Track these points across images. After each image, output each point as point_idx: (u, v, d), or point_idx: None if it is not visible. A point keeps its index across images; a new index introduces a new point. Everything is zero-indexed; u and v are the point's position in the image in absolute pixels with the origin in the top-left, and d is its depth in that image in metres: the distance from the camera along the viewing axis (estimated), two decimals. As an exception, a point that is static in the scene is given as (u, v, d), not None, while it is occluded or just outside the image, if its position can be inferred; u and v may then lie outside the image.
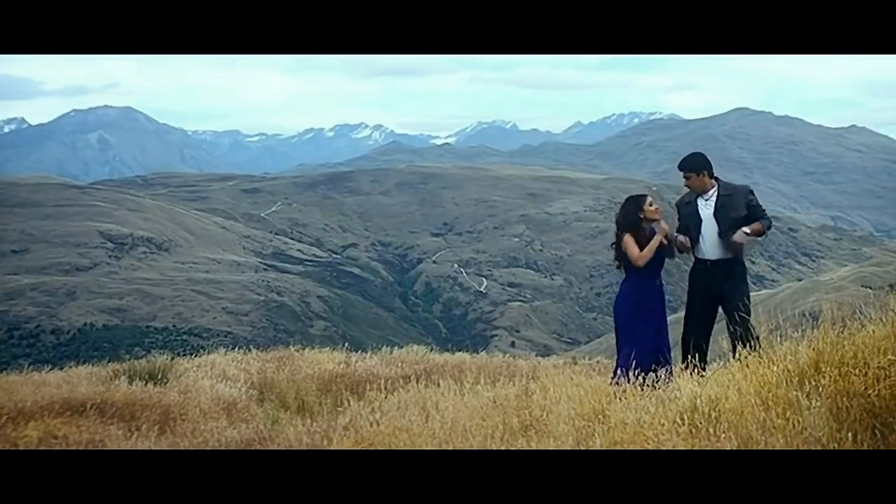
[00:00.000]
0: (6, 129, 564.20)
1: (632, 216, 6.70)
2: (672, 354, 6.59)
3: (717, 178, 6.78)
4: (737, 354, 5.22)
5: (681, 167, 6.78)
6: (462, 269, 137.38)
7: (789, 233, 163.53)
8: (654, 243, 6.56)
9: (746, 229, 6.53)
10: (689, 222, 6.72)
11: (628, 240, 6.61)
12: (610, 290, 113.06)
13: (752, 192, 6.81)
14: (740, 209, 6.63)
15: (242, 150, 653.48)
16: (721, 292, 6.57)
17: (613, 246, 6.77)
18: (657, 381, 5.40)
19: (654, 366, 5.92)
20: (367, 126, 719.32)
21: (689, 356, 6.12)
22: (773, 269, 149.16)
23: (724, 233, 6.56)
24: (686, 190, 6.98)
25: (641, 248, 6.56)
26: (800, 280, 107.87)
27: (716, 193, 6.71)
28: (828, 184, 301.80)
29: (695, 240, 6.68)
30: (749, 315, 6.36)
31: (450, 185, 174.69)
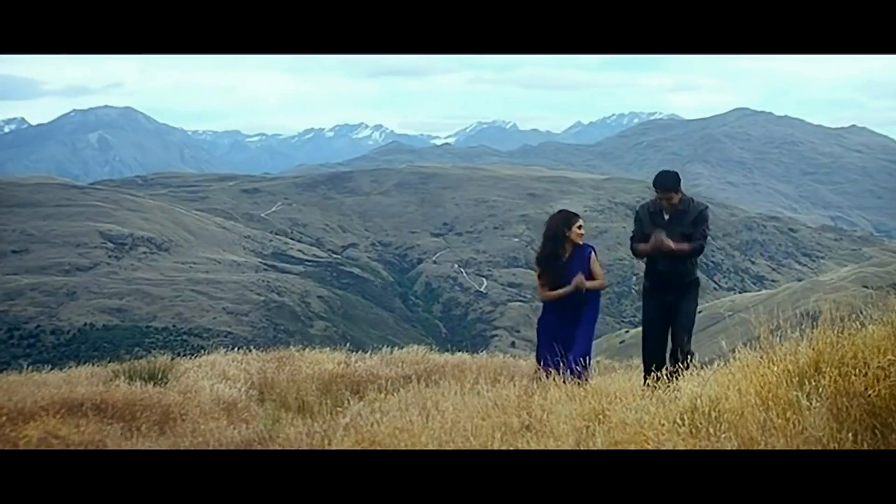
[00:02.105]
0: (6, 129, 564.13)
1: (559, 231, 6.89)
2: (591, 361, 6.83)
3: (682, 194, 6.86)
4: (668, 370, 5.60)
5: (668, 186, 6.79)
6: (462, 269, 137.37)
7: (789, 233, 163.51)
8: (561, 293, 6.80)
9: (672, 244, 6.58)
10: (653, 231, 6.75)
11: (539, 280, 6.95)
12: (610, 290, 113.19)
13: (704, 212, 6.82)
14: (687, 226, 6.70)
15: (242, 150, 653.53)
16: (673, 301, 6.66)
17: (536, 258, 6.98)
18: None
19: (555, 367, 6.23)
20: (367, 126, 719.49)
21: (649, 369, 6.32)
22: (773, 269, 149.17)
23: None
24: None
25: (554, 283, 6.81)
26: (800, 280, 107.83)
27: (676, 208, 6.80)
28: (828, 184, 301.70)
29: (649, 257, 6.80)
30: (689, 333, 6.57)
31: (450, 185, 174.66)
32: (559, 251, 6.83)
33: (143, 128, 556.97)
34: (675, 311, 6.65)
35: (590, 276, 6.85)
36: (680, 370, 5.71)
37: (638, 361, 8.23)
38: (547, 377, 6.02)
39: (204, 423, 7.20)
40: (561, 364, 6.36)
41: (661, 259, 6.69)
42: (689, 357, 6.22)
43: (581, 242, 6.90)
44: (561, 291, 6.79)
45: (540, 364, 6.74)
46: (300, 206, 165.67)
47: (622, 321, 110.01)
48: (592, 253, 6.94)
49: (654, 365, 6.31)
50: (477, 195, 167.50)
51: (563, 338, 6.75)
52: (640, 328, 7.21)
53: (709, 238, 6.89)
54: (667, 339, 6.71)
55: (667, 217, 6.76)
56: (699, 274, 7.02)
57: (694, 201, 6.85)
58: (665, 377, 5.58)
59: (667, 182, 6.78)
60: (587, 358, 6.69)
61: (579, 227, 6.88)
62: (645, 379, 6.20)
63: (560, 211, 7.11)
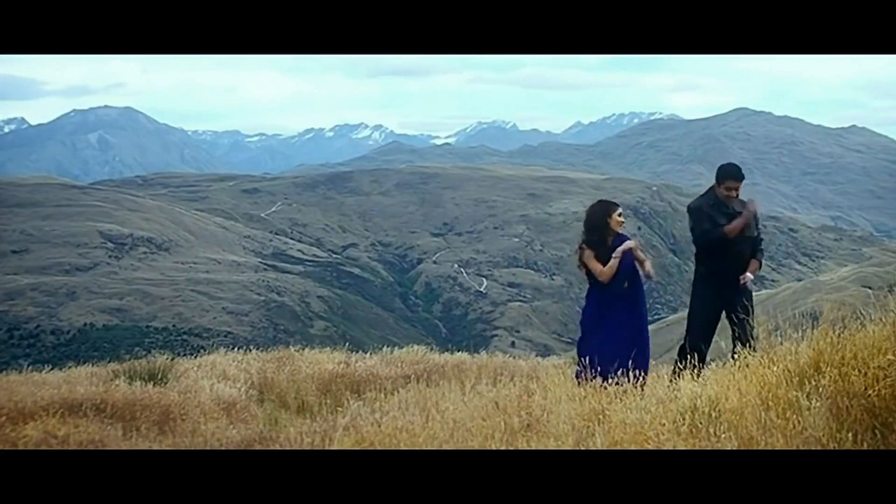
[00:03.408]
0: (6, 129, 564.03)
1: (600, 221, 6.72)
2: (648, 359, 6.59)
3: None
4: (736, 355, 5.27)
5: (734, 175, 6.69)
6: (462, 269, 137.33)
7: (789, 233, 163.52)
8: (617, 256, 6.55)
9: (750, 275, 6.55)
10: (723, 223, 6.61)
11: (588, 256, 6.65)
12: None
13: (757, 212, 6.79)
14: (754, 228, 6.66)
15: (242, 150, 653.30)
16: (730, 296, 6.58)
17: (579, 250, 6.77)
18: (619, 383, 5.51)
19: (612, 372, 5.91)
20: (367, 126, 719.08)
21: (690, 360, 6.12)
22: (773, 269, 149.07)
23: (743, 250, 6.58)
24: (694, 195, 7.01)
25: (604, 263, 6.58)
26: (800, 280, 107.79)
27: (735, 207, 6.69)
28: (828, 184, 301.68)
29: (719, 250, 6.61)
30: (751, 315, 6.36)
31: (450, 185, 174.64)
32: (605, 238, 6.74)
33: (143, 128, 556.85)
34: (737, 308, 6.45)
35: (635, 270, 6.72)
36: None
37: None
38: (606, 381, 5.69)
39: (204, 423, 7.20)
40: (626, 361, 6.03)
41: (727, 256, 6.56)
42: (754, 339, 5.99)
43: (621, 231, 6.78)
44: (619, 252, 6.52)
45: (591, 365, 6.24)
46: (300, 206, 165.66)
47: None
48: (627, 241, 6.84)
49: (695, 361, 6.08)
50: (477, 195, 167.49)
51: (630, 329, 6.54)
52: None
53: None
54: (713, 334, 6.62)
55: (731, 211, 6.63)
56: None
57: (743, 201, 6.79)
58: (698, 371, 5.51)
59: (740, 173, 6.74)
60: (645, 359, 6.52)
61: (619, 215, 6.75)
62: (678, 370, 6.07)
63: (599, 201, 6.94)
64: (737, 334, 6.41)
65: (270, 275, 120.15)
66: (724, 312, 6.69)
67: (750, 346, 5.50)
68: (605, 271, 6.57)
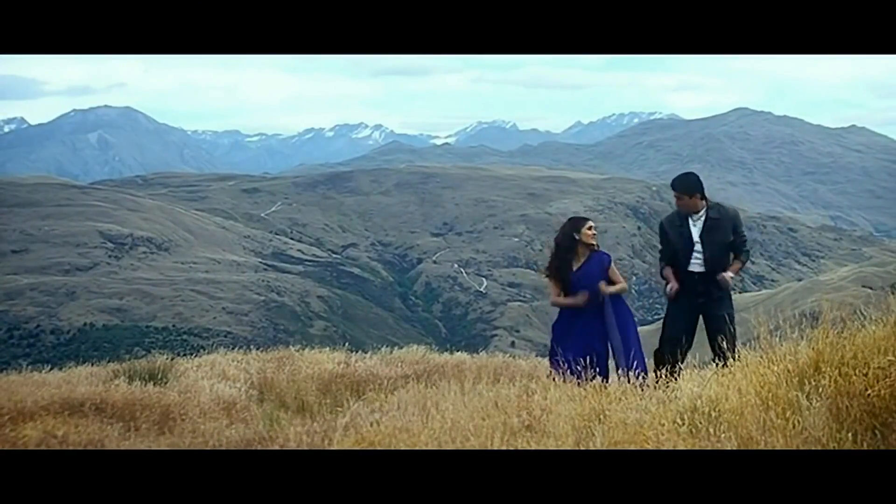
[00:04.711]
0: (6, 129, 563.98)
1: (568, 238, 6.81)
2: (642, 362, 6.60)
3: (707, 199, 6.72)
4: (716, 367, 5.36)
5: (674, 187, 6.71)
6: (462, 269, 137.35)
7: (789, 233, 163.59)
8: (572, 301, 6.71)
9: (730, 273, 6.51)
10: (679, 245, 6.67)
11: (551, 288, 6.86)
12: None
13: (738, 217, 6.76)
14: (727, 234, 6.61)
15: (242, 150, 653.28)
16: (705, 303, 6.55)
17: (547, 267, 6.87)
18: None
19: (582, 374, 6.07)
20: (367, 126, 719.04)
21: (662, 368, 6.13)
22: (773, 269, 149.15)
23: (709, 257, 6.55)
24: (669, 210, 6.99)
25: (568, 284, 6.72)
26: (800, 280, 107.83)
27: (704, 214, 6.67)
28: (828, 184, 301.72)
29: (683, 260, 6.65)
30: (733, 330, 6.39)
31: (450, 185, 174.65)
32: (570, 260, 6.80)
33: (142, 128, 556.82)
34: (713, 317, 6.47)
35: (609, 283, 6.78)
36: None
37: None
38: (562, 378, 5.95)
39: (203, 423, 7.19)
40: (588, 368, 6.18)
41: (696, 264, 6.55)
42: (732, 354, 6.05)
43: (594, 243, 6.83)
44: (571, 300, 6.71)
45: (559, 367, 6.48)
46: (300, 206, 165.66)
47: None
48: (611, 262, 6.87)
49: (667, 365, 6.15)
50: (477, 195, 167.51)
51: (601, 337, 6.65)
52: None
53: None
54: (691, 342, 6.58)
55: (696, 228, 6.61)
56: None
57: (723, 206, 6.74)
58: (671, 379, 5.54)
59: (682, 183, 6.66)
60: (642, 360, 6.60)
61: (589, 228, 6.81)
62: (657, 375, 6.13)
63: (570, 219, 7.01)
64: (714, 347, 6.43)
65: (270, 275, 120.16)
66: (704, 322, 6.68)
67: (723, 360, 5.57)
68: (557, 301, 6.82)
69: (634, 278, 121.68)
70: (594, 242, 6.83)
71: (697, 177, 6.79)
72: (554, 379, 6.13)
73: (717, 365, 5.85)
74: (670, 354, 6.49)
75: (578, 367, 6.12)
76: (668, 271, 6.72)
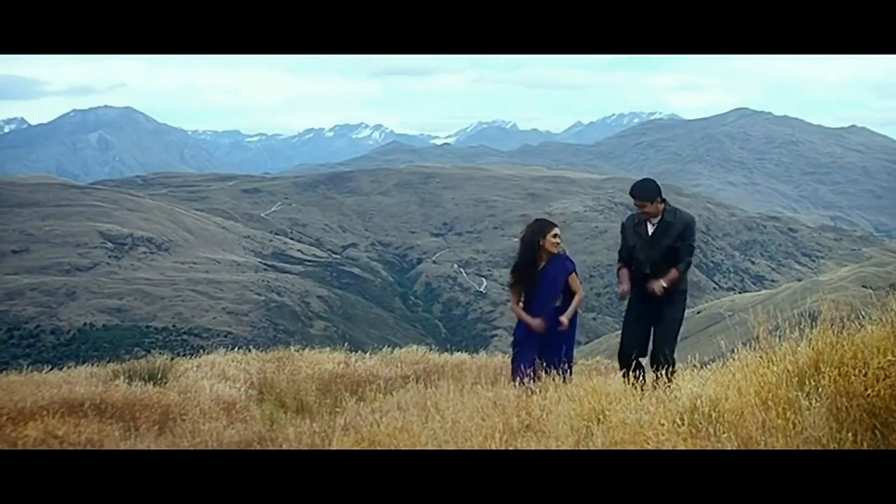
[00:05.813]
0: (6, 129, 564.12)
1: (534, 241, 6.84)
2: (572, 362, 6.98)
3: (666, 204, 6.74)
4: (652, 376, 5.50)
5: (633, 195, 6.73)
6: (462, 269, 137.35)
7: (789, 233, 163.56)
8: (527, 320, 6.79)
9: (663, 282, 6.50)
10: (637, 241, 6.71)
11: (512, 294, 6.98)
12: (610, 290, 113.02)
13: (691, 225, 6.72)
14: (672, 239, 6.62)
15: (242, 150, 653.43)
16: (657, 307, 6.58)
17: (513, 266, 6.98)
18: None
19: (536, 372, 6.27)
20: (367, 126, 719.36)
21: (625, 370, 6.36)
22: (773, 269, 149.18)
23: (655, 258, 6.60)
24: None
25: (532, 287, 6.79)
26: (800, 280, 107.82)
27: (660, 217, 6.70)
28: (828, 184, 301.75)
29: (642, 261, 6.70)
30: (672, 341, 6.52)
31: (450, 185, 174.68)
32: (535, 259, 6.79)
33: (143, 128, 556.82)
34: (657, 317, 6.56)
35: (568, 289, 6.83)
36: (661, 377, 5.67)
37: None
38: (522, 383, 6.10)
39: (203, 423, 7.19)
40: (542, 370, 6.34)
41: (646, 265, 6.61)
42: (669, 365, 6.19)
43: (556, 251, 6.83)
44: (528, 319, 6.77)
45: (518, 371, 6.62)
46: (300, 206, 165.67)
47: (622, 321, 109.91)
48: (574, 271, 6.88)
49: (626, 368, 6.38)
50: (477, 195, 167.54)
51: (546, 348, 6.75)
52: None
53: (695, 251, 6.82)
54: (644, 343, 6.64)
55: (651, 230, 6.66)
56: (690, 278, 6.96)
57: (680, 212, 6.72)
58: (638, 380, 5.65)
59: (641, 191, 6.67)
60: (571, 364, 6.83)
61: (554, 236, 6.80)
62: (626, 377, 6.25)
63: (536, 220, 7.04)
64: (654, 348, 6.52)
65: (270, 275, 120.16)
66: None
67: (662, 370, 5.74)
68: (515, 310, 6.91)
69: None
70: (556, 251, 6.83)
71: (656, 182, 6.82)
72: (514, 383, 6.29)
73: (654, 369, 6.07)
74: (626, 354, 6.61)
75: (530, 372, 6.31)
76: (623, 273, 6.75)
